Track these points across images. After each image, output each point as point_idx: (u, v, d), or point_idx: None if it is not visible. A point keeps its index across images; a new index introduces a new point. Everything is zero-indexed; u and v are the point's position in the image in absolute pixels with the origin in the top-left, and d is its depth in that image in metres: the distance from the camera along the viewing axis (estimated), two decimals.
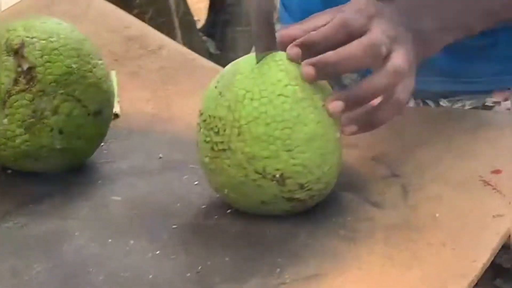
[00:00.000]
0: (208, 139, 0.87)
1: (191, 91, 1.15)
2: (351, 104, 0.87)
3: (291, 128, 0.84)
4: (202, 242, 0.86)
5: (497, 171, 0.94)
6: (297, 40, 0.87)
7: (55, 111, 0.92)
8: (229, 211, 0.90)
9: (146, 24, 1.28)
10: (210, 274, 0.81)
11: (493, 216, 0.87)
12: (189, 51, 1.22)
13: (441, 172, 0.96)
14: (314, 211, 0.90)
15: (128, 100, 1.13)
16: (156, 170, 0.99)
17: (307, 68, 0.85)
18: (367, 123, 0.90)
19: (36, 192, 0.95)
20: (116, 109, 1.08)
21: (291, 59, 0.86)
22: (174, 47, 1.24)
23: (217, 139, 0.86)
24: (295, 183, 0.85)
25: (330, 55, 0.86)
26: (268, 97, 0.84)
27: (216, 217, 0.90)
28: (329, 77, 0.89)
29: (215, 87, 0.89)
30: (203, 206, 0.92)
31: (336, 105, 0.86)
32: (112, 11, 1.28)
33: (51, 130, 0.93)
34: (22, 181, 0.97)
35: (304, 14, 0.97)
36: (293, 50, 0.87)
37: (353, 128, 0.89)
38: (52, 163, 0.96)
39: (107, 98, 0.98)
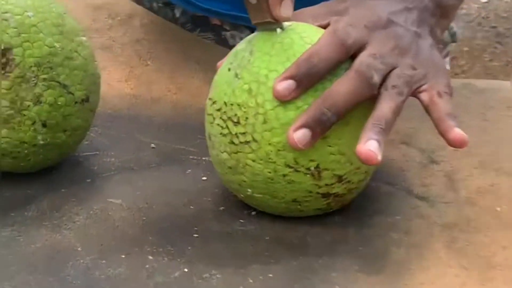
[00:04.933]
0: (225, 131, 0.66)
1: (173, 67, 0.94)
2: None
3: None
4: (235, 254, 0.65)
5: None
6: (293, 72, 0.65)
7: (37, 101, 0.69)
8: (253, 213, 0.70)
9: None
10: None
11: None
12: (163, 20, 0.98)
13: (485, 159, 0.78)
14: (351, 209, 0.71)
15: (104, 79, 0.85)
16: (152, 163, 0.78)
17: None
18: None
19: (18, 197, 0.72)
20: None
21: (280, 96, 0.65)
22: (146, 17, 1.00)
23: (237, 130, 0.65)
24: (332, 175, 0.66)
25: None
26: None
27: (241, 221, 0.69)
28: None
29: (228, 69, 0.67)
30: (221, 208, 0.71)
31: None
32: None
33: (33, 123, 0.70)
34: None
35: None
36: (283, 85, 0.66)
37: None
38: (33, 161, 0.72)
39: (94, 81, 0.74)
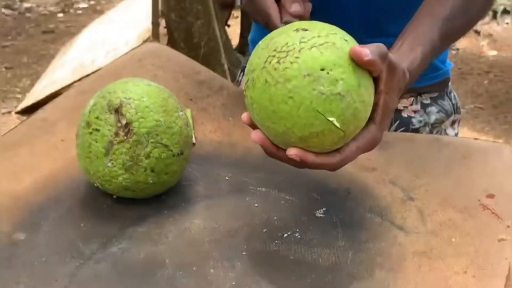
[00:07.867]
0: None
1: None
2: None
3: None
4: (270, 270, 0.94)
5: (491, 196, 1.03)
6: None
7: (147, 156, 1.03)
8: (285, 235, 1.00)
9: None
10: None
11: (498, 241, 0.95)
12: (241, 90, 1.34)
13: (446, 197, 1.05)
14: (352, 236, 0.99)
15: (201, 131, 1.25)
16: (224, 192, 1.10)
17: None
18: None
19: (134, 216, 1.05)
20: (193, 139, 1.20)
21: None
22: (232, 88, 1.38)
23: None
24: None
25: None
26: None
27: (276, 242, 0.98)
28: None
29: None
30: (264, 230, 1.01)
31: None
32: (186, 61, 1.43)
33: (145, 170, 1.04)
34: (124, 206, 1.07)
35: None
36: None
37: None
38: (147, 192, 1.07)
39: (186, 141, 1.08)
